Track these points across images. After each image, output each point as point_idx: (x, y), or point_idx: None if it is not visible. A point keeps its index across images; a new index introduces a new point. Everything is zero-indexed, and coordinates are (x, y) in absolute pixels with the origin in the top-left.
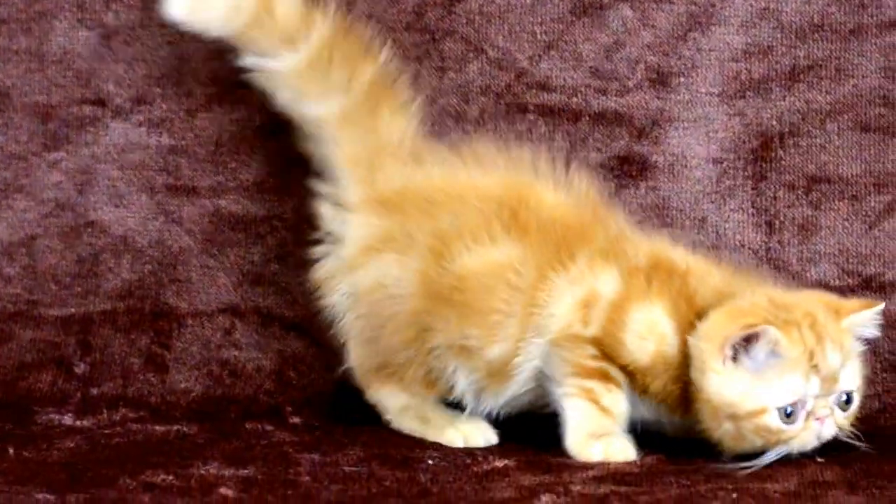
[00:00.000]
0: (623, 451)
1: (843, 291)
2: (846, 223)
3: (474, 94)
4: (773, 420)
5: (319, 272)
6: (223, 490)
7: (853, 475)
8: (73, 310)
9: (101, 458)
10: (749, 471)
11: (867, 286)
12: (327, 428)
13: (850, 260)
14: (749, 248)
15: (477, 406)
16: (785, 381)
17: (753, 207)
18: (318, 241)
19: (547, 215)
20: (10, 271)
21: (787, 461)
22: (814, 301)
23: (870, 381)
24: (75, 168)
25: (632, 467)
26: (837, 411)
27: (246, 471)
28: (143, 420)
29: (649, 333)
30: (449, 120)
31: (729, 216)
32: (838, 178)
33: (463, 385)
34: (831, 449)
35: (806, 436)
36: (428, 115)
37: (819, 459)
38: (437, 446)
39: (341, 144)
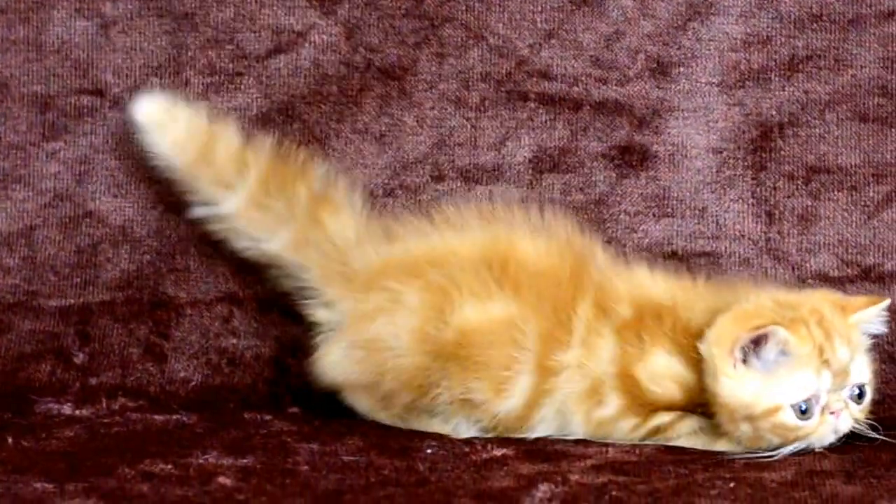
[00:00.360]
0: None
1: (842, 282)
2: (845, 213)
3: (474, 80)
4: (788, 417)
5: (319, 352)
6: (222, 479)
7: (851, 465)
8: (72, 300)
9: (100, 447)
10: (761, 459)
11: (866, 276)
12: (326, 417)
13: (850, 250)
14: (749, 239)
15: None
16: (797, 378)
17: (753, 197)
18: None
19: (534, 269)
20: (9, 262)
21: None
22: (819, 299)
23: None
24: (74, 158)
25: (630, 456)
26: (852, 404)
27: (245, 460)
28: (141, 409)
29: (663, 378)
30: (449, 106)
31: (729, 206)
32: (837, 169)
33: (464, 429)
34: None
35: (823, 430)
36: (427, 100)
37: (817, 449)
38: (436, 436)
39: (305, 267)
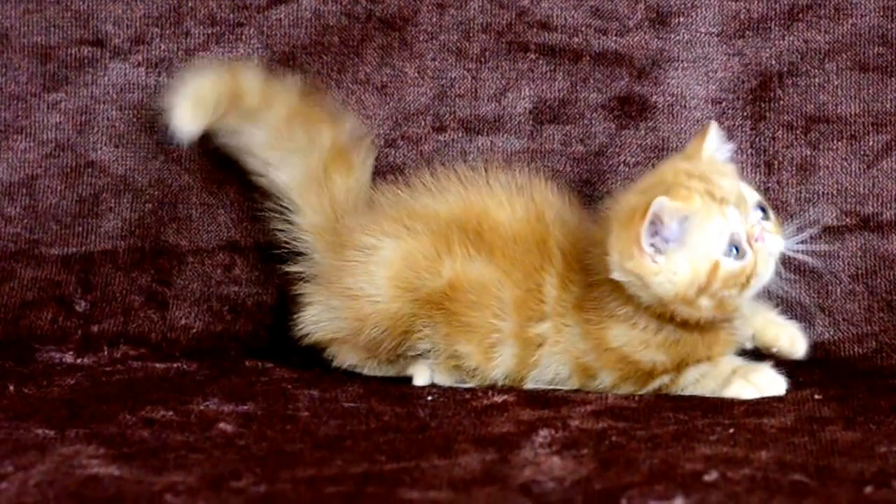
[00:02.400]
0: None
1: (841, 231)
2: (844, 163)
3: (475, 31)
4: (729, 266)
5: (299, 311)
6: (222, 425)
7: (850, 411)
8: (73, 249)
9: (102, 394)
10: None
11: (865, 226)
12: (327, 364)
13: (849, 199)
14: None
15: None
16: (709, 230)
17: (752, 148)
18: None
19: (506, 234)
20: (10, 211)
21: (785, 398)
22: (667, 166)
23: (866, 321)
24: (75, 108)
25: (630, 403)
26: (766, 224)
27: (245, 406)
28: (143, 357)
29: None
30: (450, 57)
31: (728, 157)
32: (837, 118)
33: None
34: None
35: (762, 259)
36: (428, 51)
37: (817, 396)
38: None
39: (304, 214)
